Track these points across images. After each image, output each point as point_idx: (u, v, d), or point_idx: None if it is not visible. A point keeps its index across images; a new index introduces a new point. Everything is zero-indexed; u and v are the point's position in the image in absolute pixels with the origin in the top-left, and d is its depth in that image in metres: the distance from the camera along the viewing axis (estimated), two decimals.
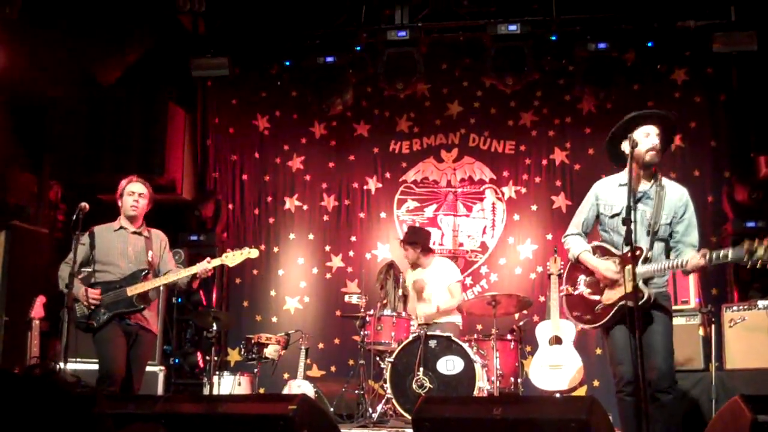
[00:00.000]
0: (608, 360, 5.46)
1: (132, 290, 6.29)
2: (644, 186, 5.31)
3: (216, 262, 6.58)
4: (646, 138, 5.23)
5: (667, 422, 5.04)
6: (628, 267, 4.84)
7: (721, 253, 4.87)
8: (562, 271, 8.32)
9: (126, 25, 9.08)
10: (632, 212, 4.90)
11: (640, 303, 4.98)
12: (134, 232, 6.57)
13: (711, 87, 9.67)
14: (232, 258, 6.63)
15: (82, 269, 6.35)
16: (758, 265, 4.79)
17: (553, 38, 9.47)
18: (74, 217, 6.19)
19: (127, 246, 6.51)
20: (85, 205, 6.22)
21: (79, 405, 2.39)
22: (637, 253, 5.10)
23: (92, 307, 6.24)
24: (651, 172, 5.33)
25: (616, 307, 5.15)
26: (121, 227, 6.55)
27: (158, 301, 6.81)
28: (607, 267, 5.25)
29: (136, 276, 6.38)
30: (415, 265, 8.85)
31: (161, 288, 8.12)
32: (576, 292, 5.48)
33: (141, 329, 6.40)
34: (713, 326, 7.24)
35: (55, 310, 7.51)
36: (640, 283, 5.03)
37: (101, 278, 6.36)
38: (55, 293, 6.66)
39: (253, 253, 6.68)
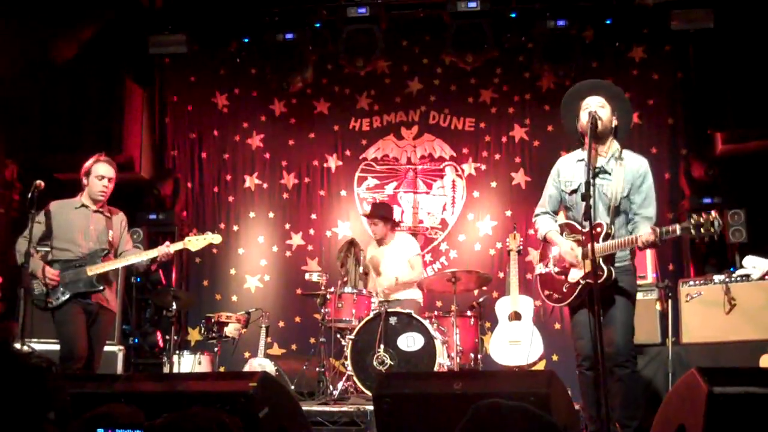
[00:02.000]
0: (570, 335, 5.53)
1: (92, 270, 6.22)
2: (601, 160, 5.29)
3: (177, 246, 6.51)
4: (583, 112, 5.26)
5: (624, 396, 5.09)
6: (590, 246, 4.88)
7: (670, 228, 4.95)
8: (521, 247, 8.41)
9: (82, 2, 8.94)
10: (590, 188, 4.92)
11: (600, 281, 5.01)
12: (96, 211, 6.47)
13: (668, 64, 9.73)
14: (194, 243, 6.56)
15: (39, 248, 6.25)
16: (705, 239, 4.91)
17: (513, 15, 9.49)
18: (29, 195, 6.11)
19: (88, 224, 6.42)
20: (40, 182, 6.14)
21: (33, 375, 2.36)
22: (598, 229, 5.13)
23: (50, 286, 6.16)
24: (608, 145, 5.35)
25: (579, 286, 5.18)
26: (83, 205, 6.45)
27: (117, 280, 6.73)
28: (566, 250, 5.27)
29: (96, 256, 6.32)
30: (381, 241, 8.82)
31: (120, 268, 8.07)
32: (546, 271, 5.51)
33: (101, 308, 6.34)
34: (670, 301, 7.33)
35: (11, 290, 7.42)
36: (601, 262, 5.07)
37: (60, 256, 6.27)
38: (11, 274, 6.57)
39: (216, 238, 6.64)
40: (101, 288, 6.26)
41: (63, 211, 6.41)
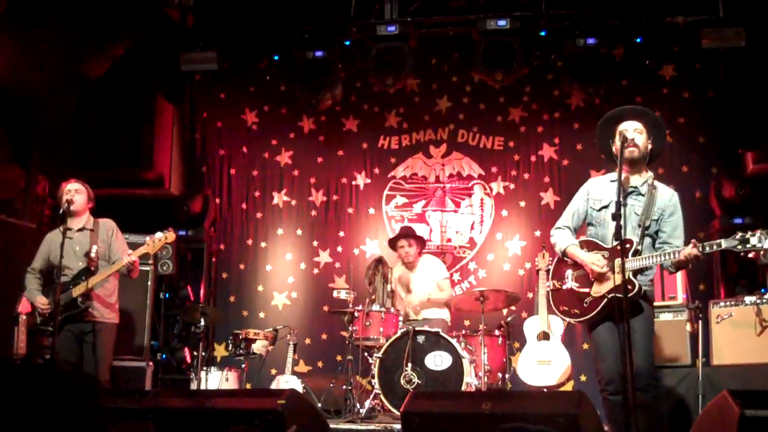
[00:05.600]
0: (592, 357, 5.48)
1: (76, 291, 6.46)
2: (635, 182, 5.33)
3: (138, 252, 6.64)
4: (619, 135, 5.25)
5: (648, 422, 5.03)
6: (618, 260, 4.86)
7: (714, 242, 4.91)
8: (550, 267, 8.34)
9: (114, 19, 9.02)
10: (620, 208, 4.90)
11: (630, 295, 4.98)
12: (79, 230, 6.71)
13: (699, 83, 9.68)
14: (153, 245, 6.68)
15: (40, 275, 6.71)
16: (750, 254, 4.88)
17: (542, 33, 9.48)
18: (60, 211, 6.24)
19: (74, 245, 6.63)
20: (71, 198, 6.27)
21: (80, 394, 2.36)
22: (627, 245, 5.10)
23: (45, 314, 6.50)
24: (642, 170, 5.35)
25: (605, 300, 5.15)
26: (68, 228, 6.62)
27: (117, 291, 6.89)
28: (594, 261, 5.25)
29: (79, 276, 6.55)
30: (410, 265, 8.81)
31: (148, 283, 8.21)
32: (564, 287, 5.48)
33: (95, 324, 6.56)
34: (700, 322, 7.25)
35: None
36: (630, 275, 5.05)
37: (58, 281, 6.52)
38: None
39: (170, 236, 6.71)
40: (86, 306, 6.47)
41: (54, 239, 6.67)
